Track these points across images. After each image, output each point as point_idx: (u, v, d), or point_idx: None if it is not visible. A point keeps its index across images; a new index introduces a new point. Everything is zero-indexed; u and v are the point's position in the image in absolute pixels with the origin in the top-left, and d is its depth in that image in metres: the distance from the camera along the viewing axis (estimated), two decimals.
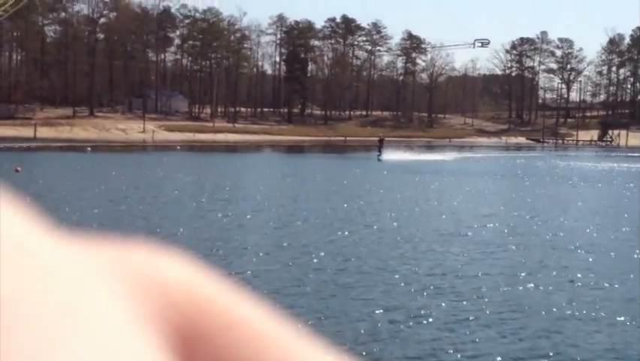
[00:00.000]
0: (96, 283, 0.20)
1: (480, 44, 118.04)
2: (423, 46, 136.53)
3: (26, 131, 77.47)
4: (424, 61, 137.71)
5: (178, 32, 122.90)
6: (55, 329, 0.17)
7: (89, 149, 59.84)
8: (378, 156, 58.60)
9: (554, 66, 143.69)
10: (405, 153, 63.61)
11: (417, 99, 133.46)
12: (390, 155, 58.70)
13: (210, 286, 0.23)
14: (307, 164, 50.37)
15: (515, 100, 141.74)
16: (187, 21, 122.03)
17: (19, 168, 32.36)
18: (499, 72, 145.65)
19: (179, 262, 0.23)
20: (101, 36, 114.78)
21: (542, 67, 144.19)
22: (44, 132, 78.82)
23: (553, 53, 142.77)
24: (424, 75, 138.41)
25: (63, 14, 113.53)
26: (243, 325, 0.23)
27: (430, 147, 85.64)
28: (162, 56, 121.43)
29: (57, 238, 0.20)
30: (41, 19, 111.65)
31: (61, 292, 0.18)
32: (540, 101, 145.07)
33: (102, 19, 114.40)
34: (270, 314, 0.24)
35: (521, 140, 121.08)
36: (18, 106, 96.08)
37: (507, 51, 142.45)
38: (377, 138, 64.51)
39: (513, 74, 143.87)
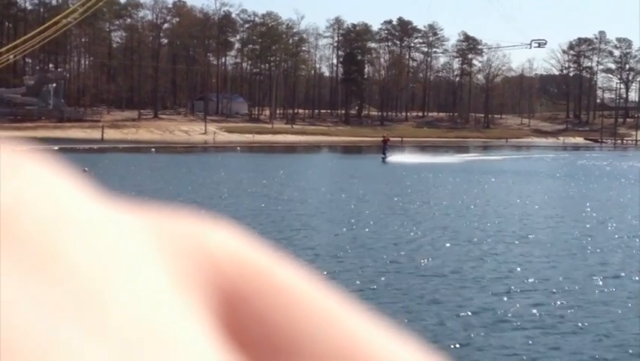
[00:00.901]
0: (142, 246, 0.20)
1: (537, 45, 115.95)
2: (479, 47, 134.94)
3: (94, 133, 79.17)
4: (480, 62, 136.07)
5: (238, 36, 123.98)
6: (103, 288, 0.17)
7: (153, 150, 60.81)
8: (383, 157, 54.57)
9: (613, 66, 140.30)
10: (419, 154, 59.71)
11: (473, 100, 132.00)
12: (399, 157, 55.06)
13: (256, 252, 0.23)
14: (363, 164, 50.28)
15: (573, 100, 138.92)
16: (247, 25, 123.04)
17: (86, 169, 33.02)
18: (556, 72, 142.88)
19: (225, 229, 0.23)
20: (165, 41, 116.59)
21: (600, 67, 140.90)
22: (111, 134, 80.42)
23: (611, 53, 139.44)
24: (480, 76, 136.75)
25: (129, 20, 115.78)
26: (288, 289, 0.22)
27: (457, 148, 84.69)
28: (223, 59, 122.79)
29: (108, 205, 0.21)
30: (108, 26, 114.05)
31: (108, 254, 0.18)
32: (598, 100, 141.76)
33: (166, 25, 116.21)
34: (315, 282, 0.23)
35: (579, 140, 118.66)
36: (86, 109, 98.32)
37: (564, 51, 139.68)
38: (388, 138, 58.81)
39: (571, 74, 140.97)
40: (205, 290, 0.21)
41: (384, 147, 55.19)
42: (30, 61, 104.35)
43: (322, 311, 0.22)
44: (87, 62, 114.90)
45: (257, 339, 0.21)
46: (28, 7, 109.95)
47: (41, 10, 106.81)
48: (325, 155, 69.49)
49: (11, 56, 77.33)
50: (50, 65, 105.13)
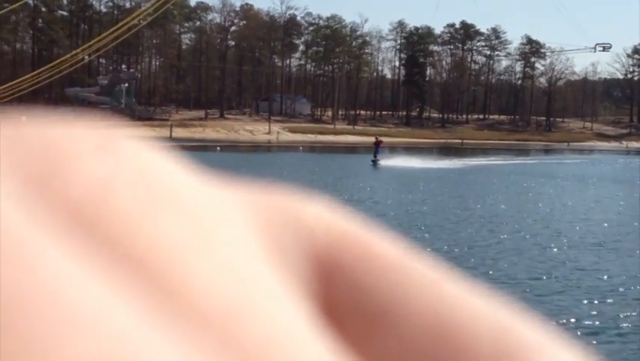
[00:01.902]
0: (240, 220, 0.20)
1: (601, 48, 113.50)
2: (542, 50, 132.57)
3: (163, 132, 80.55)
4: (543, 65, 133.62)
5: (303, 39, 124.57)
6: (198, 257, 0.16)
7: (219, 148, 61.64)
8: (373, 160, 50.20)
9: None
10: (416, 159, 53.22)
11: (535, 103, 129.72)
12: (393, 160, 50.75)
13: (350, 223, 0.23)
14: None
15: (637, 104, 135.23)
16: (311, 28, 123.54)
17: None
18: (620, 76, 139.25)
19: (319, 204, 0.23)
20: (232, 43, 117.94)
21: None
22: (179, 133, 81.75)
23: None
24: (542, 79, 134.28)
25: (198, 23, 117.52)
26: (384, 256, 0.22)
27: (517, 151, 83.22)
28: (287, 61, 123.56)
29: (204, 181, 0.20)
30: (178, 28, 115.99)
31: (208, 232, 0.18)
32: None
33: (233, 27, 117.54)
34: (412, 252, 0.22)
35: None
36: (156, 108, 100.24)
37: (629, 55, 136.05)
38: (374, 140, 54.24)
39: (635, 78, 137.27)
40: (302, 260, 0.21)
41: (376, 150, 50.95)
42: (104, 61, 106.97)
43: (419, 276, 0.21)
44: (157, 63, 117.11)
45: (353, 306, 0.21)
46: (103, 9, 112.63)
47: (115, 12, 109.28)
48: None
49: (86, 56, 79.34)
50: (123, 66, 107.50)
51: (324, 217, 0.22)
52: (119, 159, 0.17)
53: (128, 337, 0.13)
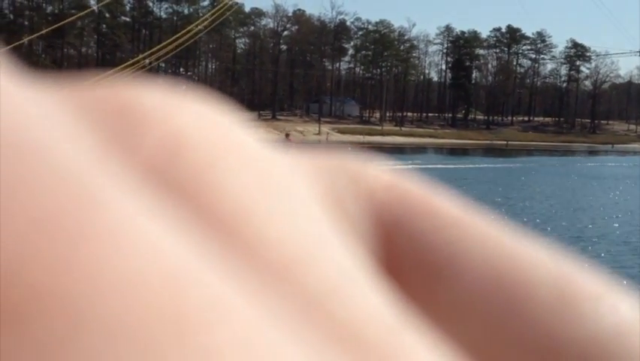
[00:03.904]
0: (304, 182, 0.19)
1: None
2: (587, 54, 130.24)
3: None
4: (588, 68, 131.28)
5: (352, 43, 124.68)
6: (269, 231, 0.16)
7: None
8: None
9: None
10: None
11: (580, 106, 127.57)
12: None
13: (410, 183, 0.22)
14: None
15: None
16: (361, 33, 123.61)
17: None
18: None
19: (379, 166, 0.23)
20: (284, 47, 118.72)
21: None
22: None
23: None
24: (587, 82, 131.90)
25: (252, 28, 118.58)
26: (444, 212, 0.21)
27: (562, 152, 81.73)
28: (337, 64, 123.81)
29: (267, 145, 0.19)
30: (233, 33, 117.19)
31: (276, 193, 0.17)
32: None
33: (285, 32, 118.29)
34: (471, 209, 0.22)
35: None
36: None
37: None
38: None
39: None
40: (363, 219, 0.21)
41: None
42: (163, 65, 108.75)
43: (478, 231, 0.21)
44: (214, 67, 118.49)
45: (413, 261, 0.21)
46: (163, 15, 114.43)
47: (174, 18, 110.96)
48: (430, 155, 69.02)
49: (147, 61, 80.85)
50: (181, 69, 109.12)
51: (384, 178, 0.22)
52: (191, 115, 0.17)
53: (197, 278, 0.13)
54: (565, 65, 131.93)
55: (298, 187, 0.19)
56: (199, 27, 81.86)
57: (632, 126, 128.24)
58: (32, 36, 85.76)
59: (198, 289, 0.12)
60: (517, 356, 0.19)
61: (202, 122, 0.17)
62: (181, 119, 0.17)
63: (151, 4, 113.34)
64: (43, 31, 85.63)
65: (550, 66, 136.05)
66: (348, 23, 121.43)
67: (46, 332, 0.10)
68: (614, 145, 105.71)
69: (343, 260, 0.17)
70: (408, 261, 0.21)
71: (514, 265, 0.20)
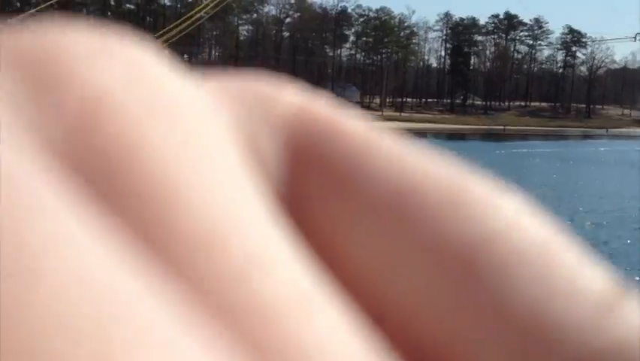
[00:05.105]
0: (215, 119, 0.19)
1: None
2: (583, 40, 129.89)
3: None
4: (583, 54, 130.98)
5: (353, 30, 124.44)
6: (178, 161, 0.15)
7: None
8: None
9: None
10: None
11: (575, 91, 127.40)
12: None
13: (323, 106, 0.22)
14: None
15: None
16: (361, 19, 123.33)
17: None
18: None
19: (293, 87, 0.23)
20: (286, 34, 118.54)
21: None
22: None
23: None
24: (583, 68, 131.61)
25: (255, 15, 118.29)
26: (350, 134, 0.22)
27: (556, 137, 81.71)
28: (338, 51, 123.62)
29: (182, 74, 0.19)
30: (236, 20, 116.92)
31: (191, 137, 0.16)
32: None
33: (287, 19, 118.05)
34: (379, 130, 0.22)
35: None
36: None
37: None
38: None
39: None
40: (274, 149, 0.21)
41: None
42: (167, 52, 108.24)
43: (383, 150, 0.21)
44: (217, 53, 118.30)
45: (320, 182, 0.21)
46: (167, 2, 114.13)
47: (178, 5, 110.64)
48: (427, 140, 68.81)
49: None
50: (185, 56, 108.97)
51: (295, 102, 0.22)
52: (118, 67, 0.16)
53: (105, 270, 0.12)
54: (561, 51, 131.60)
55: (215, 136, 0.18)
56: (201, 13, 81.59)
57: (627, 111, 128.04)
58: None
59: (110, 293, 0.12)
60: (412, 258, 0.19)
61: (129, 76, 0.16)
62: (105, 74, 0.16)
63: None
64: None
65: (546, 52, 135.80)
66: (349, 10, 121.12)
67: None
68: (609, 130, 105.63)
69: (262, 226, 0.17)
70: (316, 185, 0.21)
71: (412, 176, 0.20)
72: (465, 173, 0.21)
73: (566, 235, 0.18)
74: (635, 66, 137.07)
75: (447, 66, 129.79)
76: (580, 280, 0.19)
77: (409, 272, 0.19)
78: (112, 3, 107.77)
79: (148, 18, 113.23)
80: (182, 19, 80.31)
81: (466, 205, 0.20)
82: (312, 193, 0.21)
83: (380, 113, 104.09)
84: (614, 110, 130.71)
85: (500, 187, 0.21)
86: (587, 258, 0.16)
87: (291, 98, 0.22)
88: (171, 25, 78.90)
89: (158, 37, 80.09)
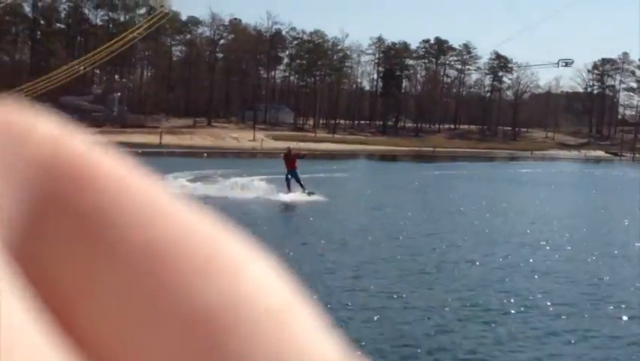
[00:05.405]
0: None
1: (564, 64, 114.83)
2: (509, 65, 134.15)
3: (153, 139, 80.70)
4: (510, 79, 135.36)
5: (287, 52, 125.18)
6: None
7: (206, 155, 61.73)
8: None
9: (635, 85, 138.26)
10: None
11: (502, 114, 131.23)
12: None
13: (79, 144, 0.21)
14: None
15: (596, 116, 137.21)
16: (295, 42, 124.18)
17: None
18: (581, 90, 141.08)
19: (51, 120, 0.21)
20: (220, 55, 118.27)
21: (623, 85, 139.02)
22: (168, 140, 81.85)
23: (633, 73, 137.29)
24: (509, 92, 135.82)
25: (188, 36, 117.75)
26: (103, 177, 0.20)
27: (484, 159, 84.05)
28: (272, 73, 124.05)
29: None
30: (169, 41, 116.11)
31: None
32: (619, 117, 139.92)
33: (222, 41, 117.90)
34: (135, 169, 0.21)
35: (600, 153, 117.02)
36: (147, 116, 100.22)
37: (589, 70, 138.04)
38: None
39: (594, 92, 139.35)
40: (21, 188, 0.19)
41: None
42: (98, 72, 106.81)
43: (136, 197, 0.20)
44: (149, 74, 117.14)
45: (69, 233, 0.19)
46: (99, 22, 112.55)
47: (110, 25, 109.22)
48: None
49: (81, 68, 79.34)
50: (116, 76, 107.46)
51: (50, 140, 0.20)
52: None
53: None
54: (488, 76, 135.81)
55: None
56: (134, 34, 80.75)
57: (550, 134, 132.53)
58: None
59: None
60: (156, 326, 0.18)
61: None
62: None
63: (87, 11, 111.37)
64: None
65: (475, 76, 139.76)
66: (283, 33, 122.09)
67: None
68: (533, 152, 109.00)
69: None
70: (59, 235, 0.19)
71: (165, 233, 0.19)
72: (221, 233, 0.21)
73: (307, 300, 0.18)
74: (558, 91, 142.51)
75: (379, 89, 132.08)
76: (311, 352, 0.19)
77: (151, 341, 0.18)
78: (42, 22, 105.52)
79: (79, 38, 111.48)
80: (114, 40, 79.33)
81: (217, 269, 0.20)
82: (52, 247, 0.19)
83: (314, 134, 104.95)
84: (538, 133, 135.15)
85: (252, 249, 0.21)
86: (322, 327, 0.19)
87: (43, 137, 0.20)
88: (104, 46, 77.88)
89: (90, 57, 78.93)
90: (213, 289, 0.19)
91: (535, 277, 13.16)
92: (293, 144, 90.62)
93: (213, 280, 0.19)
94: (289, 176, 27.04)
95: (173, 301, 0.19)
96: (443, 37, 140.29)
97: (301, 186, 26.46)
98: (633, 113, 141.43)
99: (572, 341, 9.08)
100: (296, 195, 25.61)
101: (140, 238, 0.19)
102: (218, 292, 0.19)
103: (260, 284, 0.20)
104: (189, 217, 0.20)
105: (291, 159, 27.56)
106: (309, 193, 25.80)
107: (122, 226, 0.19)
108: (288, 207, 23.72)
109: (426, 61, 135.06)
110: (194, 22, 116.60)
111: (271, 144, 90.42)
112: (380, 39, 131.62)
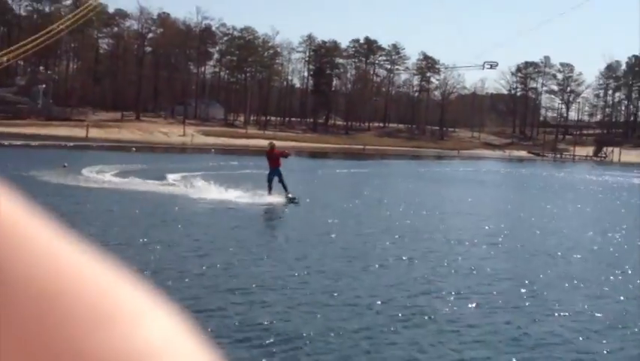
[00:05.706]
0: None
1: (489, 66, 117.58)
2: (437, 66, 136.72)
3: (79, 132, 78.65)
4: (437, 80, 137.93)
5: (217, 48, 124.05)
6: None
7: (134, 149, 60.54)
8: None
9: (556, 88, 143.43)
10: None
11: (430, 114, 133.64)
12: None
13: None
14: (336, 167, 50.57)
15: (519, 117, 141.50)
16: (226, 38, 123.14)
17: (65, 164, 32.48)
18: (505, 92, 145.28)
19: None
20: (149, 49, 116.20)
21: (545, 88, 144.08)
22: (95, 133, 79.93)
23: (555, 76, 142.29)
24: (437, 92, 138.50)
25: (115, 29, 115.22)
26: (6, 226, 0.20)
27: (412, 157, 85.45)
28: (202, 68, 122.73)
29: None
30: (96, 33, 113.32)
31: None
32: (542, 118, 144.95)
33: (150, 35, 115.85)
34: (35, 220, 0.20)
35: (523, 153, 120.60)
36: (73, 109, 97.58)
37: (513, 73, 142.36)
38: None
39: (518, 93, 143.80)
40: None
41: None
42: (22, 63, 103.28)
43: (37, 248, 0.19)
44: (75, 66, 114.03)
45: None
46: (23, 13, 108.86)
47: (35, 16, 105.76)
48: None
49: (4, 59, 76.61)
50: (41, 68, 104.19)
51: None
52: None
53: None
54: (417, 76, 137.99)
55: None
56: (60, 27, 78.50)
57: (476, 134, 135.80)
58: None
59: None
60: None
61: None
62: None
63: (10, 1, 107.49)
64: None
65: (404, 76, 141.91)
66: (213, 28, 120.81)
67: None
68: (460, 151, 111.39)
69: None
70: None
71: (60, 283, 0.19)
72: (119, 283, 0.20)
73: (210, 349, 0.23)
74: (484, 92, 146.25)
75: (310, 87, 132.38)
76: None
77: None
78: None
79: (2, 28, 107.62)
80: (41, 33, 76.91)
81: (113, 322, 0.19)
82: None
83: (245, 130, 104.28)
84: (464, 133, 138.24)
85: (151, 299, 0.20)
86: None
87: None
88: (30, 39, 75.38)
89: (14, 50, 76.25)
90: (106, 348, 0.18)
91: (461, 273, 13.44)
92: (224, 140, 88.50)
93: (106, 337, 0.18)
94: (272, 176, 24.36)
95: (68, 356, 0.18)
96: (372, 37, 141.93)
97: (285, 189, 23.63)
98: (554, 115, 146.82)
99: (500, 340, 9.30)
100: (275, 198, 23.16)
101: (30, 292, 0.18)
102: (111, 351, 0.18)
103: (156, 340, 0.19)
104: (84, 267, 0.20)
105: (274, 157, 24.59)
106: (292, 199, 22.98)
107: (12, 282, 0.19)
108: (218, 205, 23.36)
109: (356, 60, 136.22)
110: (122, 15, 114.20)
111: (201, 139, 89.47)
112: (310, 37, 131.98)
